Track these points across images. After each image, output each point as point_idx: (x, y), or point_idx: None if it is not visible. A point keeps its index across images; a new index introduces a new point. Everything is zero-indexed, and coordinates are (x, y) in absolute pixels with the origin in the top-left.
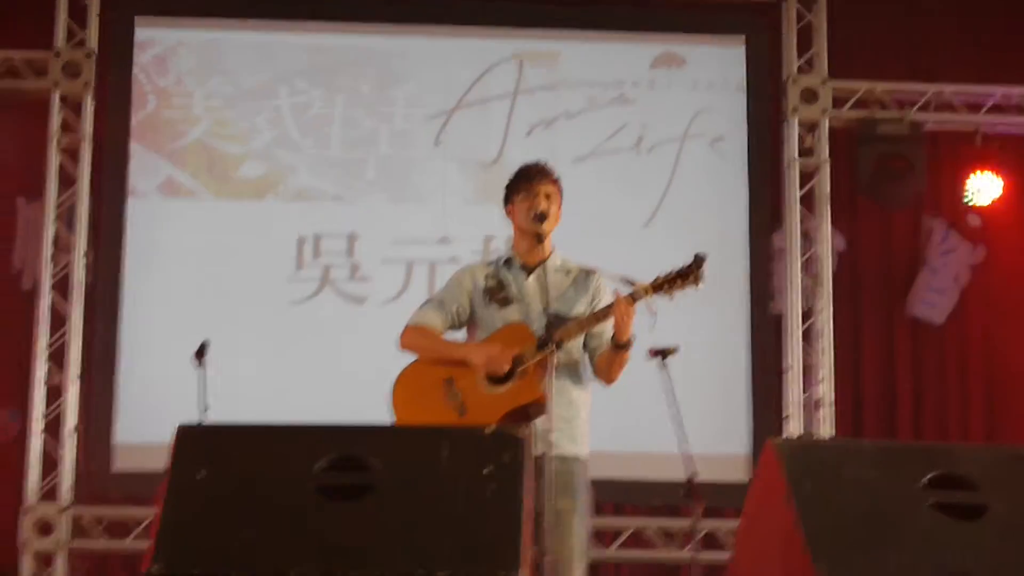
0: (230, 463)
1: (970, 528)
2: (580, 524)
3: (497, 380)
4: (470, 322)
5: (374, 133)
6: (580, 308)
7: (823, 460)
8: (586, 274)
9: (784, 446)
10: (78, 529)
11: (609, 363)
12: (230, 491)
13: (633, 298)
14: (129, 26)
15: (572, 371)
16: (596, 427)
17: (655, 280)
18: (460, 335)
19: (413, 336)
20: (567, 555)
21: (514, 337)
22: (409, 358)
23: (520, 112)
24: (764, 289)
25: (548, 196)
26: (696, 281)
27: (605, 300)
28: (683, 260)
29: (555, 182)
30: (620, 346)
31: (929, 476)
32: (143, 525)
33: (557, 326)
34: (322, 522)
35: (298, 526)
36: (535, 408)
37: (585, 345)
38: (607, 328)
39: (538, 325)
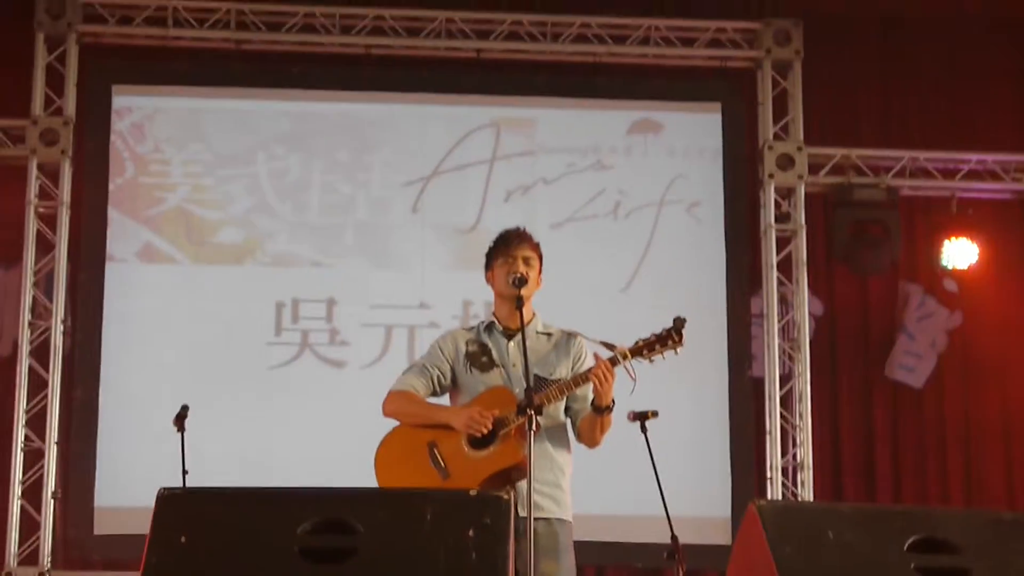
0: (212, 527)
1: None
2: None
3: (479, 444)
4: (452, 387)
5: (352, 199)
6: (562, 371)
7: (805, 523)
8: (568, 337)
9: (766, 509)
10: None
11: (591, 427)
12: (212, 555)
13: (612, 362)
14: (106, 93)
15: (556, 434)
16: (578, 490)
17: (635, 344)
18: (443, 401)
19: (396, 401)
20: None
21: (496, 401)
22: (393, 423)
23: (498, 178)
24: (742, 353)
25: (527, 260)
26: (675, 345)
27: (587, 363)
28: (662, 324)
29: (535, 247)
30: (600, 410)
31: (911, 539)
32: None
33: (538, 390)
34: None
35: None
36: (517, 472)
37: (568, 409)
38: (589, 392)
39: (519, 389)
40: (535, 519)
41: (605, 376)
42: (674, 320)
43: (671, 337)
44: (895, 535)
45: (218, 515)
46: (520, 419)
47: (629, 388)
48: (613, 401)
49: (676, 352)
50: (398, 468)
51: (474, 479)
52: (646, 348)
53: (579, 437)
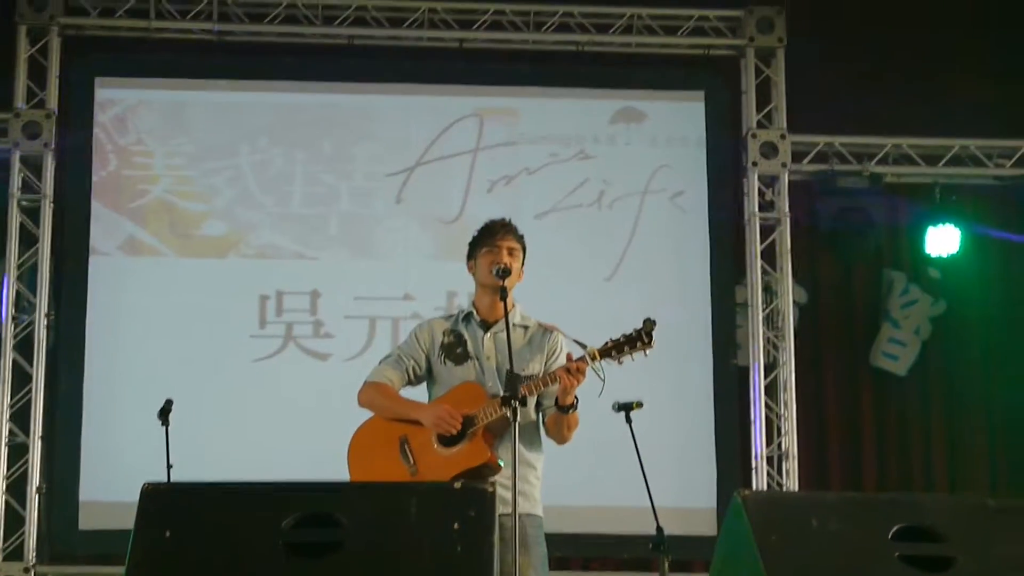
0: (197, 521)
1: None
2: None
3: (448, 442)
4: (428, 378)
5: (335, 191)
6: (534, 367)
7: (789, 513)
8: (544, 332)
9: (750, 499)
10: None
11: (556, 424)
12: (197, 550)
13: (581, 361)
14: (89, 86)
15: (526, 431)
16: (563, 482)
17: (604, 345)
18: (421, 390)
19: (370, 393)
20: None
21: (466, 397)
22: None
23: (481, 169)
24: (727, 342)
25: (511, 251)
26: (644, 347)
27: (561, 359)
28: (640, 321)
29: (519, 238)
30: (563, 409)
31: (896, 528)
32: None
33: (515, 384)
34: None
35: None
36: (486, 470)
37: (538, 405)
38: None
39: (492, 383)
40: (503, 514)
41: (574, 377)
42: (643, 321)
43: (640, 339)
44: (879, 523)
45: (203, 510)
46: (493, 415)
47: (598, 388)
48: (576, 400)
49: (645, 354)
50: (369, 460)
51: (442, 477)
52: (614, 349)
53: (547, 434)
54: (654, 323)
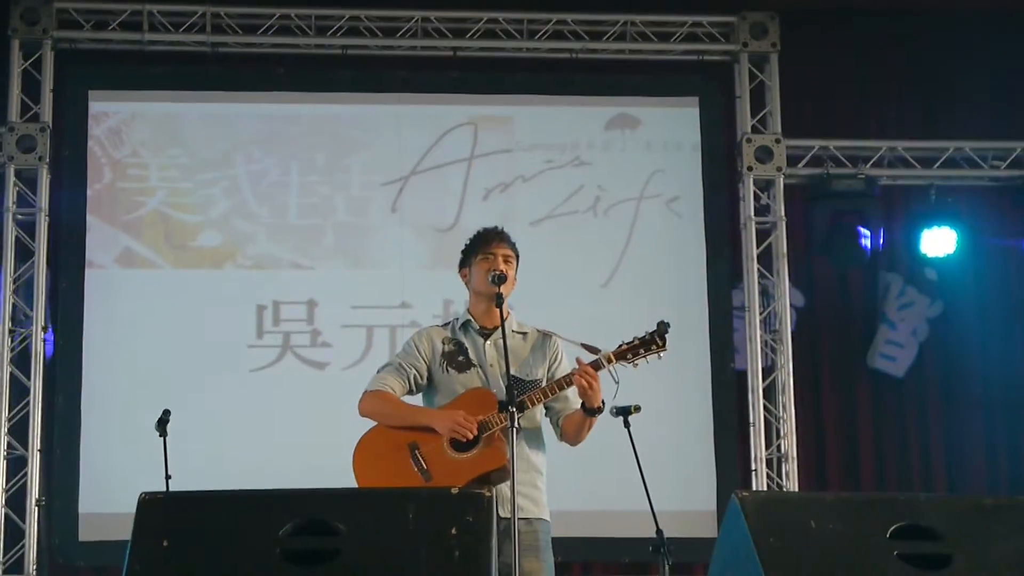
0: (194, 531)
1: None
2: None
3: (462, 446)
4: (428, 386)
5: (331, 200)
6: (539, 372)
7: (787, 513)
8: (543, 337)
9: (748, 500)
10: None
11: (579, 427)
12: (195, 559)
13: (596, 366)
14: (83, 99)
15: (532, 436)
16: (563, 486)
17: (618, 348)
18: (417, 399)
19: (373, 401)
20: None
21: (478, 402)
22: (369, 423)
23: (476, 177)
24: (724, 346)
25: (506, 259)
26: (659, 350)
27: (563, 363)
28: (644, 322)
29: (512, 246)
30: (591, 412)
31: (893, 527)
32: None
33: (519, 391)
34: None
35: None
36: (498, 474)
37: (548, 409)
38: (569, 393)
39: (498, 389)
40: (516, 519)
41: (590, 382)
42: (658, 324)
43: (655, 342)
44: (877, 523)
45: (200, 519)
46: (504, 421)
47: (611, 391)
48: (603, 402)
49: (660, 357)
50: (378, 469)
51: (458, 481)
52: (630, 352)
53: (561, 436)
54: (668, 325)
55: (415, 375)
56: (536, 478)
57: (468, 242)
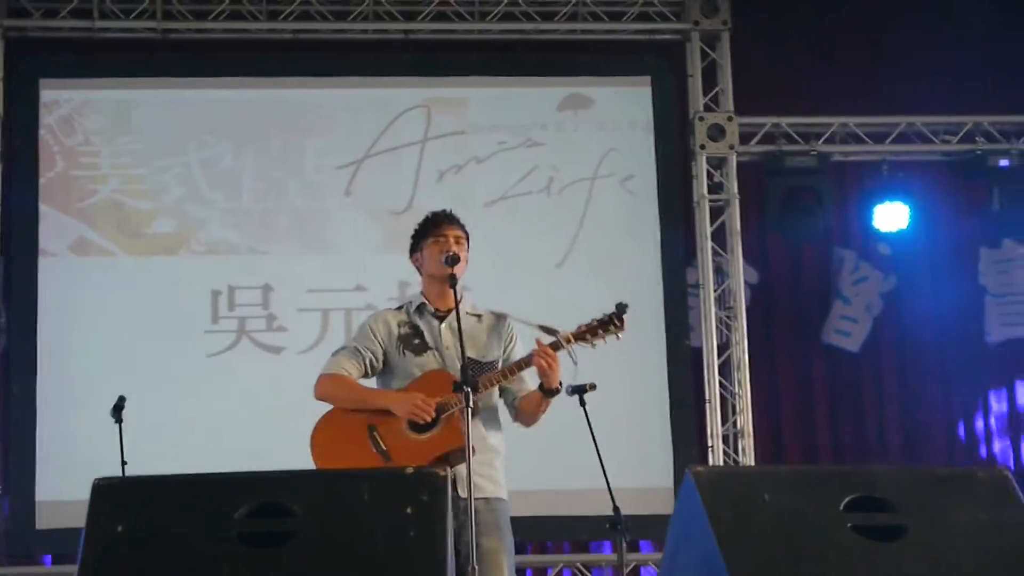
0: (149, 516)
1: (889, 549)
2: (508, 563)
3: (420, 427)
4: (384, 369)
5: (285, 185)
6: (495, 353)
7: (741, 487)
8: (497, 319)
9: (702, 475)
10: None
11: (535, 407)
12: (150, 544)
13: (555, 347)
14: (34, 88)
15: (488, 417)
16: (519, 466)
17: (577, 329)
18: (372, 382)
19: (329, 385)
20: None
21: (436, 384)
22: (326, 407)
23: (430, 159)
24: (680, 324)
25: (457, 240)
26: (617, 330)
27: (518, 345)
28: (600, 301)
29: (462, 228)
30: (550, 392)
31: (847, 499)
32: None
33: (475, 372)
34: (245, 571)
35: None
36: (456, 455)
37: (503, 391)
38: (525, 374)
39: (455, 372)
40: (476, 499)
41: (550, 363)
42: (616, 306)
43: (613, 322)
44: (831, 495)
45: (155, 503)
46: (462, 402)
47: (570, 372)
48: (561, 383)
49: (618, 337)
50: (337, 452)
51: (417, 462)
52: (588, 333)
53: (517, 416)
54: (626, 307)
55: (371, 358)
56: (493, 458)
57: (418, 227)
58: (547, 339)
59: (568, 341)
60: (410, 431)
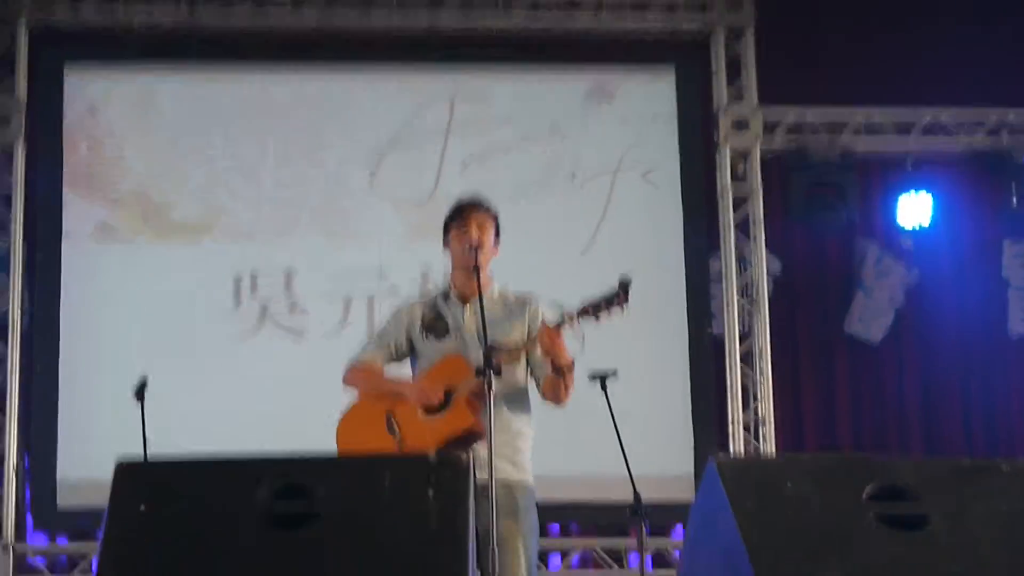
0: (171, 496)
1: (912, 538)
2: (525, 547)
3: (433, 411)
4: (412, 355)
5: (308, 174)
6: (516, 335)
7: (764, 476)
8: (522, 302)
9: (725, 464)
10: (22, 566)
11: (553, 387)
12: (172, 525)
13: (558, 326)
14: (59, 75)
15: (513, 399)
16: (540, 450)
17: (581, 307)
18: (405, 367)
19: (354, 374)
20: None
21: (450, 369)
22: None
23: (453, 149)
24: (702, 312)
25: (480, 226)
26: (620, 303)
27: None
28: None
29: (488, 212)
30: (559, 371)
31: (870, 488)
32: (87, 560)
33: (495, 354)
34: (266, 552)
35: (242, 556)
36: (471, 436)
37: (531, 372)
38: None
39: (475, 355)
40: (497, 481)
41: (551, 341)
42: (619, 280)
43: (616, 297)
44: (854, 485)
45: (177, 484)
46: (472, 384)
47: (577, 350)
48: (573, 360)
49: (622, 311)
50: (357, 437)
51: (430, 444)
52: (592, 309)
53: (544, 397)
54: (629, 281)
55: (395, 344)
56: (515, 440)
57: (447, 215)
58: (553, 316)
59: (570, 319)
60: (424, 415)
